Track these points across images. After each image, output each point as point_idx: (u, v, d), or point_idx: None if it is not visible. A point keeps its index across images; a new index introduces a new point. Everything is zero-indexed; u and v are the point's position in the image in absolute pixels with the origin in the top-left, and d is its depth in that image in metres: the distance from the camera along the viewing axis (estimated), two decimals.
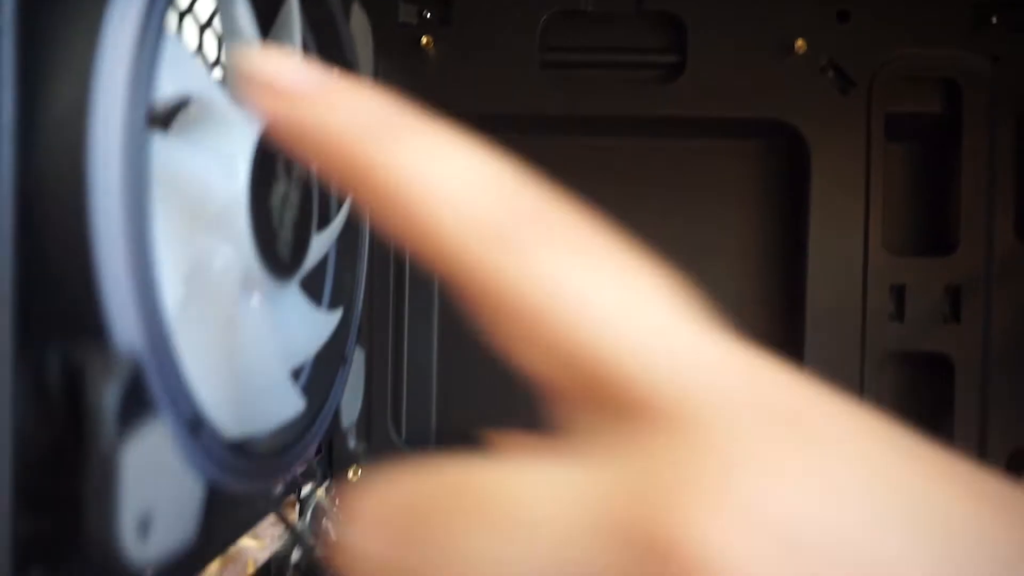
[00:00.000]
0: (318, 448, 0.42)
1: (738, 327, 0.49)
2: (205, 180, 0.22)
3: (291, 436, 0.26)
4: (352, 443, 0.42)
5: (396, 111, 0.14)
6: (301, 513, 0.38)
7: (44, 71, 0.15)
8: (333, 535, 0.21)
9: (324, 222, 0.29)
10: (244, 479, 0.22)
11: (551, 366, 0.13)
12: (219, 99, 0.22)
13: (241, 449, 0.22)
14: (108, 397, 0.16)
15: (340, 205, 0.31)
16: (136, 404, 0.16)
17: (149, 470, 0.17)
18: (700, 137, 0.44)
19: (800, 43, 0.40)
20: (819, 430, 0.13)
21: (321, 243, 0.28)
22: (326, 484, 0.39)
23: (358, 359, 0.33)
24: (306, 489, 0.39)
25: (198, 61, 0.23)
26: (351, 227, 0.31)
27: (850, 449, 0.12)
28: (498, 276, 0.13)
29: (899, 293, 0.41)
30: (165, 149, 0.20)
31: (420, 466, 0.14)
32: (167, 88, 0.19)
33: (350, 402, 0.32)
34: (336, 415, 0.30)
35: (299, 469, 0.36)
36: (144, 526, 0.17)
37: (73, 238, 0.16)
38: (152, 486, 0.17)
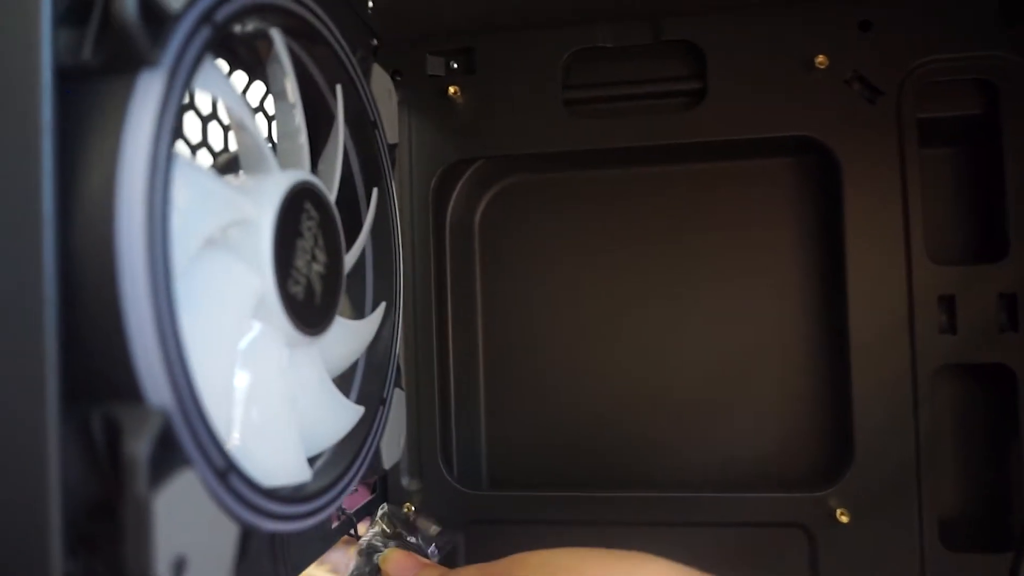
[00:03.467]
0: (373, 486, 0.44)
1: (780, 356, 0.49)
2: (233, 278, 0.24)
3: (330, 479, 0.27)
4: (405, 481, 0.44)
5: None
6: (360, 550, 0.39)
7: (76, 163, 0.18)
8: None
9: (351, 223, 0.31)
10: (287, 522, 0.24)
11: None
12: (236, 206, 0.24)
13: (279, 494, 0.24)
14: (142, 448, 0.17)
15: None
16: (167, 455, 0.18)
17: (181, 516, 0.18)
18: (728, 160, 0.44)
19: (821, 58, 0.40)
20: None
21: (352, 255, 0.30)
22: (381, 513, 0.41)
23: (398, 400, 0.35)
24: (363, 528, 0.40)
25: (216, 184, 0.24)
26: (381, 228, 0.33)
27: None
28: None
29: (949, 304, 0.40)
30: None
31: None
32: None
33: (391, 443, 0.33)
34: (377, 456, 0.32)
35: (352, 509, 0.37)
36: (178, 568, 0.18)
37: (106, 310, 0.18)
38: (185, 531, 0.18)
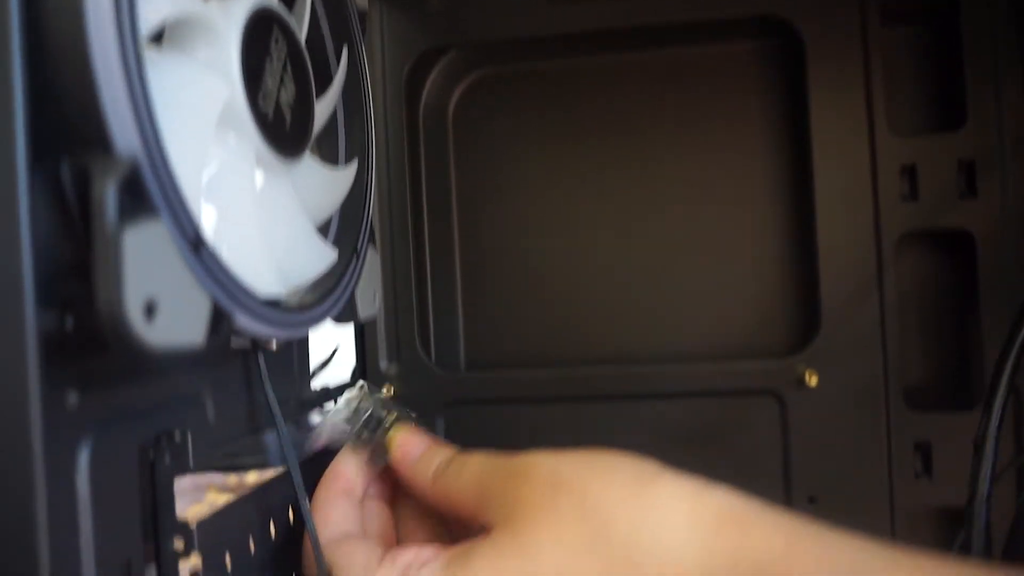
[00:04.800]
0: (353, 374, 0.44)
1: (748, 231, 0.50)
2: (202, 84, 0.24)
3: (322, 291, 0.28)
4: (383, 365, 0.44)
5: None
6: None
7: None
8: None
9: (324, 85, 0.31)
10: (257, 320, 0.24)
11: None
12: (200, 12, 0.24)
13: (254, 296, 0.24)
14: (109, 187, 0.18)
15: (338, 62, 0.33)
16: (136, 200, 0.19)
17: (151, 261, 0.19)
18: (694, 44, 0.45)
19: None
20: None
21: (324, 107, 0.30)
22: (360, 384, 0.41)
23: (372, 259, 0.35)
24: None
25: None
26: (353, 87, 0.34)
27: None
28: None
29: (911, 173, 0.41)
30: (161, 63, 0.22)
31: None
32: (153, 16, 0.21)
33: (366, 296, 0.34)
34: (353, 302, 0.32)
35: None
36: (150, 310, 0.19)
37: (74, 56, 0.18)
38: (155, 278, 0.19)
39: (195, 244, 0.21)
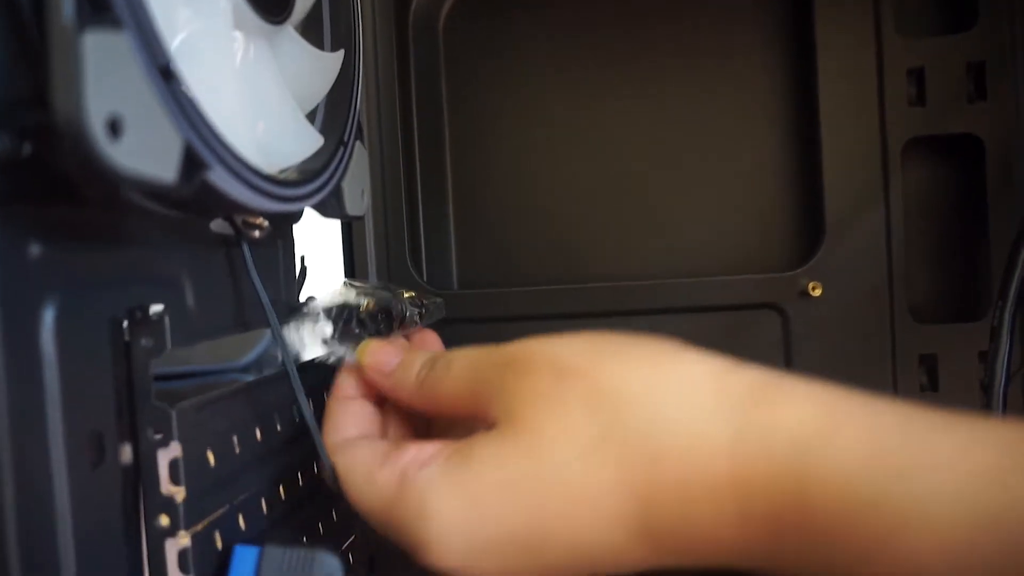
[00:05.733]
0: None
1: (751, 143, 0.48)
2: None
3: (311, 171, 0.27)
4: (374, 283, 0.43)
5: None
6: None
7: None
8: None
9: None
10: (234, 180, 0.23)
11: None
12: None
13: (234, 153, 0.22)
14: None
15: None
16: (98, 9, 0.17)
17: (113, 75, 0.17)
18: None
19: None
20: None
21: None
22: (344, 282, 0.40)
23: (360, 154, 0.33)
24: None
25: None
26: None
27: None
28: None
29: (919, 76, 0.39)
30: None
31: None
32: None
33: (353, 191, 0.32)
34: (340, 193, 0.31)
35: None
36: (114, 128, 0.17)
37: None
38: (119, 95, 0.17)
39: (165, 72, 0.19)
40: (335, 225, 0.44)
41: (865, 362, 0.39)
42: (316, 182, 0.28)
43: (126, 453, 0.23)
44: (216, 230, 0.28)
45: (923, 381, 0.40)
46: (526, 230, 0.44)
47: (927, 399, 0.39)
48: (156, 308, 0.25)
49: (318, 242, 0.42)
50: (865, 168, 0.39)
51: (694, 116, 0.43)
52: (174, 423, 0.25)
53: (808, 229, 0.42)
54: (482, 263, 0.45)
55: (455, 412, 0.27)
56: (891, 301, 0.39)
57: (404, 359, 0.28)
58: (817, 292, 0.39)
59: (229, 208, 0.27)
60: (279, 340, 0.30)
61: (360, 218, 0.38)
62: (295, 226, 0.37)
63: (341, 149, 0.31)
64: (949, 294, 0.41)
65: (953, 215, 0.41)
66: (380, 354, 0.29)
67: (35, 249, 0.20)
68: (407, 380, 0.28)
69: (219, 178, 0.22)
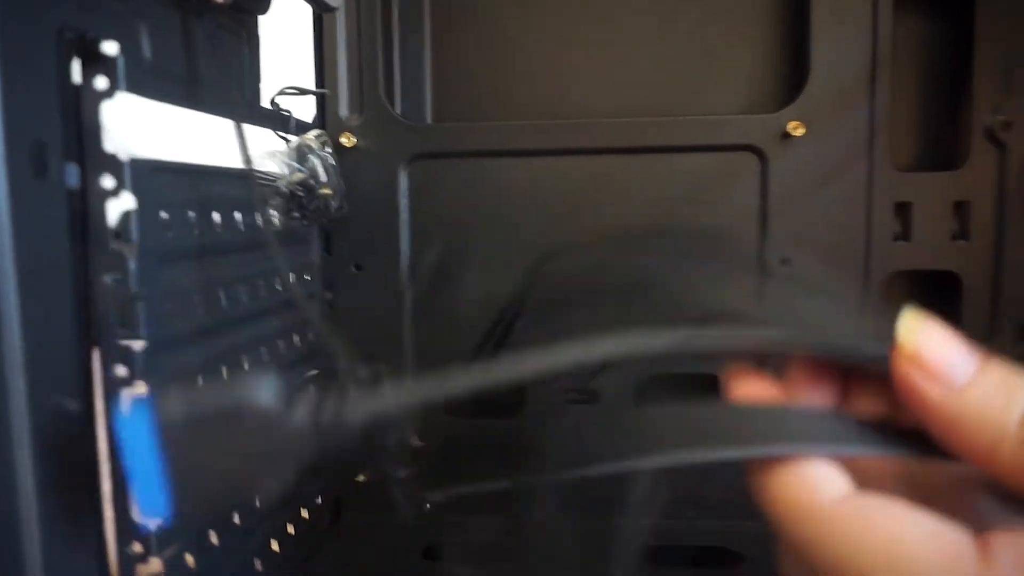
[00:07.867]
0: (313, 121, 0.41)
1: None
2: None
3: None
4: (344, 113, 0.41)
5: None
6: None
7: None
8: None
9: None
10: None
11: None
12: None
13: None
14: None
15: None
16: None
17: None
18: None
19: None
20: None
21: None
22: (316, 134, 0.38)
23: None
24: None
25: None
26: None
27: None
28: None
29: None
30: None
31: None
32: None
33: None
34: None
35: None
36: None
37: None
38: None
39: None
40: (308, 60, 0.42)
41: (840, 207, 0.39)
42: None
43: (72, 170, 0.22)
44: None
45: (896, 230, 0.40)
46: (506, 61, 0.43)
47: (899, 248, 0.40)
48: (111, 46, 0.23)
49: (287, 72, 0.40)
50: (854, 5, 0.38)
51: None
52: (126, 172, 0.24)
53: (793, 70, 0.41)
54: (459, 95, 0.43)
55: None
56: (870, 146, 0.39)
57: (993, 376, 0.17)
58: (799, 132, 0.38)
59: None
60: (239, 137, 0.29)
61: (334, 10, 0.37)
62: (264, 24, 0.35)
63: None
64: (930, 143, 0.41)
65: (939, 65, 0.41)
66: (945, 348, 0.17)
67: None
68: (997, 418, 0.16)
69: None
